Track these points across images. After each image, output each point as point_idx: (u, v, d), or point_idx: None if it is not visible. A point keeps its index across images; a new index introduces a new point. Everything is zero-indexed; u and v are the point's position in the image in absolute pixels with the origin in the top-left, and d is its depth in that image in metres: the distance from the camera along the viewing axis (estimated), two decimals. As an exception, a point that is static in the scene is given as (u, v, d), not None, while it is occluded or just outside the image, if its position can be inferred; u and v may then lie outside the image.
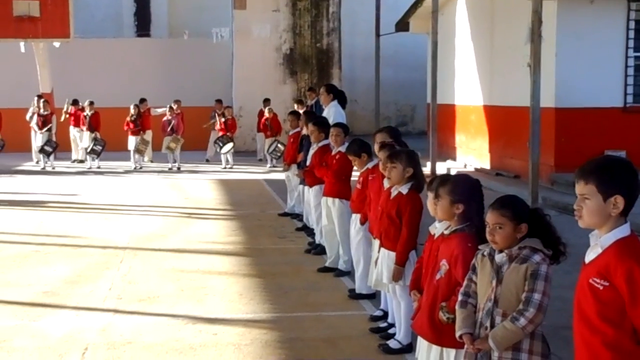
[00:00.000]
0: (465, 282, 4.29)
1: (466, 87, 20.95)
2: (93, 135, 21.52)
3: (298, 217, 12.54)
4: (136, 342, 6.75)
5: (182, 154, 21.22)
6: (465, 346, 4.14)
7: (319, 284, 8.79)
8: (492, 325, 4.00)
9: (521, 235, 4.01)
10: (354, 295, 8.13)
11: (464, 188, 4.69)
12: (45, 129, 21.39)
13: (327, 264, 9.37)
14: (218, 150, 21.34)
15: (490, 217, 4.06)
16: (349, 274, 8.89)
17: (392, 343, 6.49)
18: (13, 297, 8.21)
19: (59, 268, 9.56)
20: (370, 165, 7.68)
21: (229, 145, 21.16)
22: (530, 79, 13.50)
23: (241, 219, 13.20)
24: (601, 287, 3.32)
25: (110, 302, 8.01)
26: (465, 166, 20.26)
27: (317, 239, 10.32)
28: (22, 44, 23.17)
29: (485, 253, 4.14)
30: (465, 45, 21.02)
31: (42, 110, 21.56)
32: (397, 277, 6.20)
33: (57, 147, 21.35)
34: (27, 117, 22.16)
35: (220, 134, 21.59)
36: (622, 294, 3.26)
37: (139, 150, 21.31)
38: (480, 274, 4.16)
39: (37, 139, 21.75)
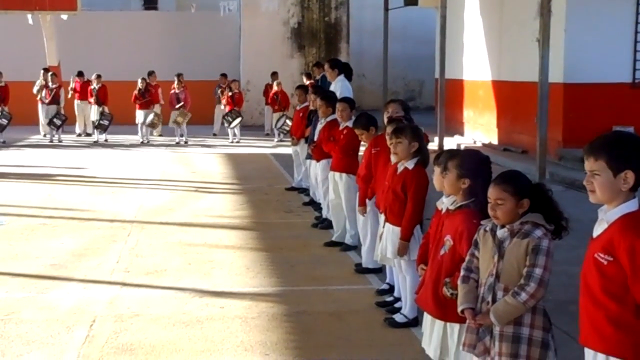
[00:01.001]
0: (467, 257, 4.29)
1: (475, 62, 20.85)
2: (100, 109, 21.51)
3: (305, 191, 12.55)
4: (143, 314, 6.78)
5: (189, 127, 21.22)
6: (467, 321, 4.16)
7: (326, 258, 8.82)
8: (494, 300, 4.01)
9: (523, 211, 4.01)
10: (360, 270, 8.16)
11: (472, 163, 4.68)
12: (53, 101, 21.40)
13: (333, 239, 9.39)
14: (227, 125, 21.29)
15: (491, 193, 4.05)
16: (356, 248, 8.91)
17: (398, 317, 6.51)
18: (21, 270, 8.25)
19: (66, 241, 9.60)
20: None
21: (237, 120, 21.15)
22: (539, 54, 13.43)
23: (248, 193, 13.21)
24: (605, 262, 3.33)
25: (117, 275, 8.05)
26: (474, 142, 20.21)
27: (324, 214, 10.34)
28: (29, 16, 23.15)
29: (487, 228, 4.14)
30: (474, 19, 20.90)
31: (50, 84, 21.55)
32: (402, 252, 6.22)
33: (66, 120, 21.36)
34: (34, 90, 22.15)
35: (227, 108, 21.57)
36: (625, 268, 3.27)
37: (153, 124, 21.29)
38: (482, 249, 4.17)
39: (45, 112, 21.76)
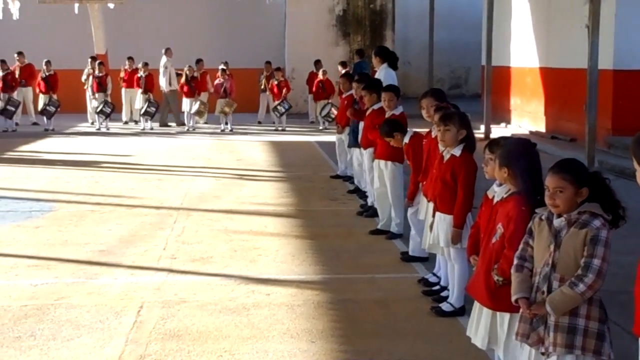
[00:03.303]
0: (521, 246, 4.25)
1: (522, 49, 20.60)
2: (147, 96, 21.67)
3: (350, 179, 12.53)
4: (190, 301, 6.83)
5: (234, 115, 21.34)
6: (521, 310, 4.12)
7: (371, 246, 8.80)
8: (550, 290, 3.96)
9: (582, 200, 3.95)
10: (406, 258, 8.12)
11: (512, 152, 4.64)
12: (100, 89, 21.64)
13: (379, 227, 9.36)
14: (278, 116, 21.33)
15: (550, 181, 3.98)
16: (401, 236, 8.88)
17: (444, 306, 6.47)
18: (70, 256, 8.36)
19: (114, 227, 9.70)
20: (406, 139, 8.00)
21: (286, 109, 21.22)
22: (588, 40, 13.23)
23: (293, 180, 13.24)
24: None
25: (164, 262, 8.12)
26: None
27: (370, 201, 10.32)
28: (76, 5, 23.42)
29: (543, 217, 4.09)
30: (521, 5, 20.65)
31: (97, 72, 21.77)
32: (456, 239, 6.18)
33: (114, 108, 21.58)
34: (83, 78, 22.41)
35: (273, 97, 21.58)
36: None
37: (199, 113, 21.42)
38: (538, 238, 4.11)
39: (93, 100, 22.01)
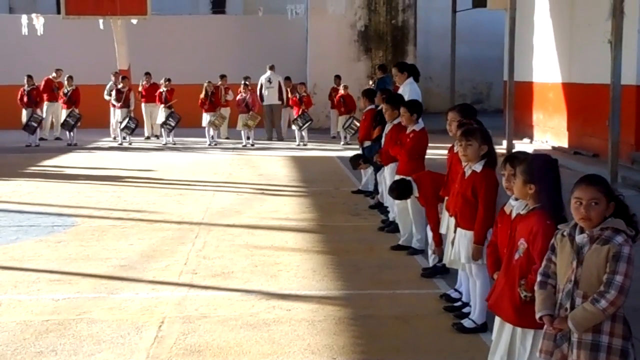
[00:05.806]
0: (544, 263, 4.22)
1: (544, 64, 20.53)
2: (169, 110, 21.72)
3: (371, 194, 12.51)
4: (211, 316, 6.83)
5: (255, 130, 21.36)
6: (545, 327, 4.09)
7: (392, 261, 8.76)
8: (572, 307, 3.94)
9: (609, 214, 3.92)
10: (427, 274, 8.09)
11: (539, 168, 4.61)
12: (123, 104, 21.76)
13: (400, 242, 9.33)
14: (297, 128, 21.34)
15: (585, 193, 3.93)
16: (423, 252, 8.85)
17: (466, 322, 6.43)
18: (92, 270, 8.39)
19: (135, 242, 9.73)
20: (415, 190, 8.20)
21: (308, 124, 21.22)
22: (610, 55, 13.16)
23: (314, 195, 13.22)
24: None
25: (185, 277, 8.12)
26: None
27: (391, 217, 10.29)
28: (100, 21, 23.60)
29: (565, 233, 4.06)
30: (544, 21, 20.58)
31: (120, 87, 21.89)
32: (476, 256, 6.14)
33: (138, 124, 21.68)
34: (105, 94, 22.54)
35: (295, 111, 21.62)
36: None
37: (214, 124, 21.46)
38: (560, 255, 4.08)
39: (115, 115, 22.14)
